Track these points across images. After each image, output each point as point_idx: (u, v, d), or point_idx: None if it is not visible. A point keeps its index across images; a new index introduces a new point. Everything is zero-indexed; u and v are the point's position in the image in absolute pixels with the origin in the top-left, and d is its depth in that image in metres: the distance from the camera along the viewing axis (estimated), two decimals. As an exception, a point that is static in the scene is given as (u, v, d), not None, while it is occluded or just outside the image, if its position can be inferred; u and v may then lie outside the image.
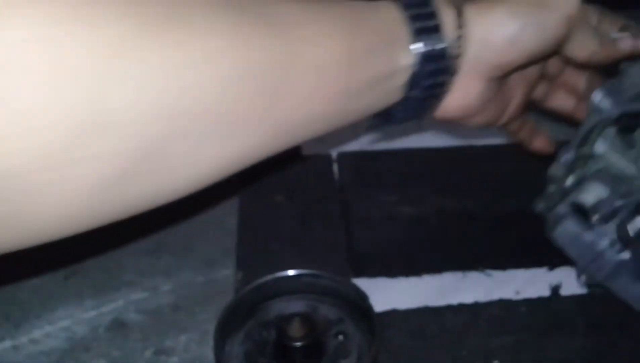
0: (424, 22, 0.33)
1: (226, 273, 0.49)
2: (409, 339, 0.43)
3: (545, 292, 0.46)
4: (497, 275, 0.47)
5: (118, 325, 0.45)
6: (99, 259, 0.49)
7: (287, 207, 0.55)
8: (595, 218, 0.39)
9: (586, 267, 0.42)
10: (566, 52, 0.39)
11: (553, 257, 0.45)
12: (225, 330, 0.39)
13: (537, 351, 0.42)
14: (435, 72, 0.34)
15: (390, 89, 0.34)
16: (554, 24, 0.36)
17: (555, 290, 0.46)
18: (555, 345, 0.42)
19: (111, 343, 0.43)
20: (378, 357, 0.37)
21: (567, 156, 0.43)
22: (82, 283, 0.47)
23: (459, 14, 0.34)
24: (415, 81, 0.34)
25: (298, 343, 0.38)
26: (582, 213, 0.41)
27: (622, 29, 0.40)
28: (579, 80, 0.45)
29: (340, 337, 0.38)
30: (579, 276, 0.43)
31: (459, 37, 0.34)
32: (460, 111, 0.38)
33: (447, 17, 0.34)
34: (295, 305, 0.42)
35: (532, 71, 0.41)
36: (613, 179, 0.41)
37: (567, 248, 0.42)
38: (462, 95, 0.37)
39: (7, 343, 0.43)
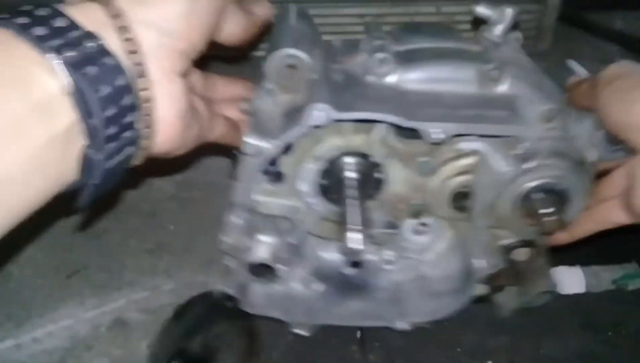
0: (72, 49, 0.26)
1: (226, 273, 0.49)
2: (404, 339, 0.43)
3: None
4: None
5: (119, 324, 0.45)
6: (100, 259, 0.50)
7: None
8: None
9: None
10: (221, 35, 0.35)
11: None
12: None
13: (534, 349, 0.42)
14: (120, 107, 0.28)
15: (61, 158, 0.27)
16: None
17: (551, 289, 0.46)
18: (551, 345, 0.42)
19: (112, 342, 0.44)
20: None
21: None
22: (84, 283, 0.48)
23: (112, 12, 0.28)
24: (94, 133, 0.27)
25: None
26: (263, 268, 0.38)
27: None
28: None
29: None
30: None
31: (126, 40, 0.28)
32: (179, 128, 0.31)
33: (96, 21, 0.28)
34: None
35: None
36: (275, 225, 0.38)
37: (268, 311, 0.39)
38: (169, 106, 0.30)
39: (10, 342, 0.43)
